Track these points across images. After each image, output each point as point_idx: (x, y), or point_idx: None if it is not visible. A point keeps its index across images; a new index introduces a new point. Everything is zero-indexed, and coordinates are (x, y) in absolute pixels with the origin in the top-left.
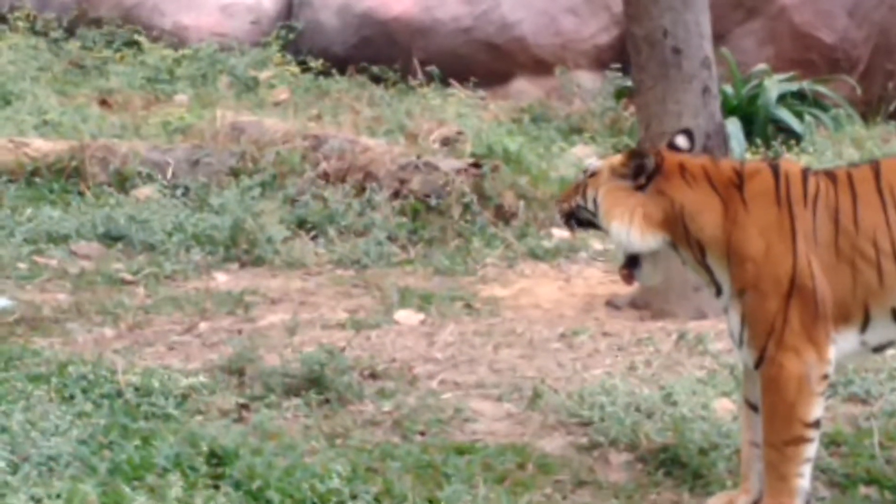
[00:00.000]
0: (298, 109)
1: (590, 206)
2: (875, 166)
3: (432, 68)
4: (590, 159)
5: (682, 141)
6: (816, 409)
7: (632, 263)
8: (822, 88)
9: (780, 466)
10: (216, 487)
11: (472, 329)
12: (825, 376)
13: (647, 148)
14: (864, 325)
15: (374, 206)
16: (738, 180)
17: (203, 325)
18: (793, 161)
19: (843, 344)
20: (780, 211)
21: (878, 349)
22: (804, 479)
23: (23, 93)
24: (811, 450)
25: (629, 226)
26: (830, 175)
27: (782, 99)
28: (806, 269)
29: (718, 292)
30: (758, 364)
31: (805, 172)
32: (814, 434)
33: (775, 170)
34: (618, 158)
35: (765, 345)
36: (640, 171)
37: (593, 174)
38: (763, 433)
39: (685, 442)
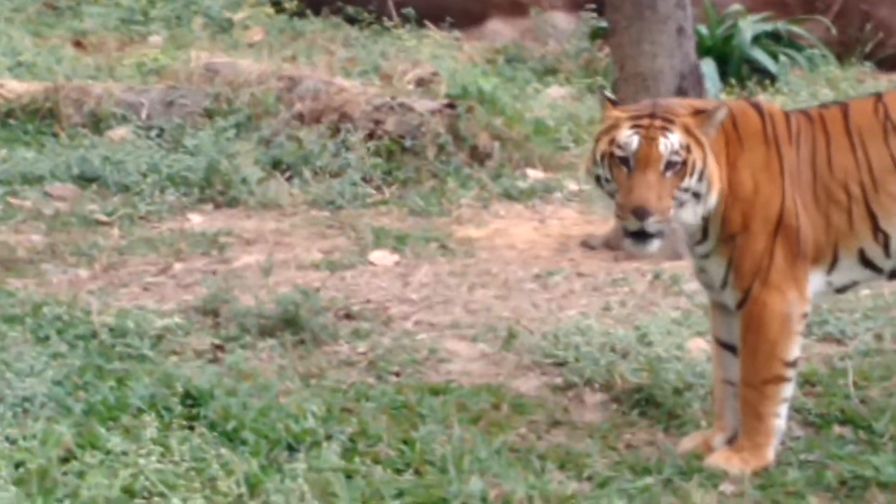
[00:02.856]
0: (273, 50)
1: (698, 186)
2: (844, 108)
3: (407, 9)
4: (625, 134)
5: None
6: (795, 348)
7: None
8: (796, 29)
9: (757, 405)
10: (191, 428)
11: (447, 270)
12: (805, 315)
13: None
14: (832, 265)
15: (348, 146)
16: (732, 121)
17: (178, 266)
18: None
19: (812, 284)
20: (768, 150)
21: (841, 290)
22: (781, 419)
23: None
24: (789, 389)
25: (718, 188)
26: (806, 115)
27: (757, 39)
28: (792, 208)
29: (703, 238)
30: (741, 304)
31: (786, 111)
32: (792, 373)
33: (759, 109)
34: (694, 120)
35: (750, 285)
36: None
37: (679, 151)
38: (741, 372)
39: (660, 382)
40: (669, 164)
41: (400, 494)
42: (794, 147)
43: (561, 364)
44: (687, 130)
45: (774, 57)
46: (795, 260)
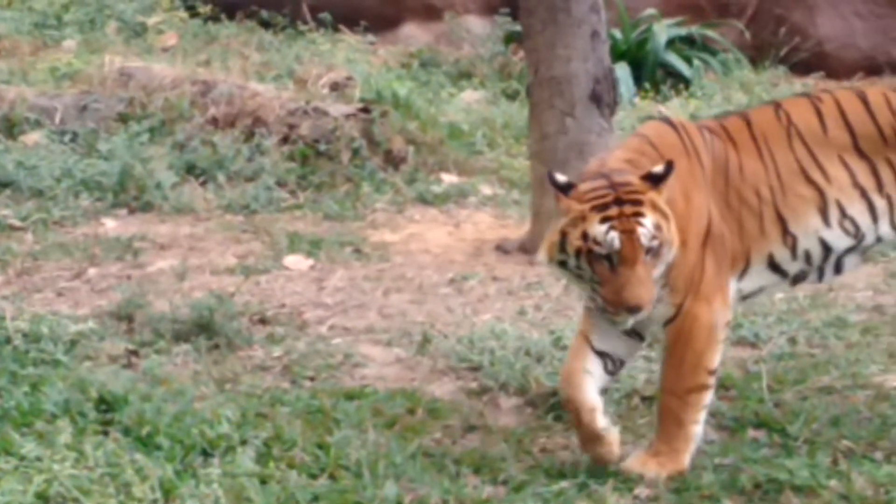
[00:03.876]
0: (187, 55)
1: (669, 254)
2: (745, 116)
3: (322, 14)
4: (600, 231)
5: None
6: (719, 356)
7: None
8: (710, 33)
9: (679, 413)
10: (105, 433)
11: (362, 274)
12: (728, 322)
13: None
14: (744, 272)
15: (263, 151)
16: (651, 144)
17: (92, 271)
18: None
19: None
20: (690, 162)
21: (748, 296)
22: (700, 426)
23: None
24: (710, 396)
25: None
26: (709, 126)
27: (671, 43)
28: (716, 217)
29: None
30: (671, 320)
31: (695, 123)
32: (713, 380)
33: (671, 124)
34: (658, 192)
35: (684, 299)
36: None
37: (655, 234)
38: (665, 382)
39: None
40: (649, 250)
41: (315, 499)
42: (709, 156)
43: (476, 368)
44: (654, 207)
45: (688, 61)
46: (721, 269)
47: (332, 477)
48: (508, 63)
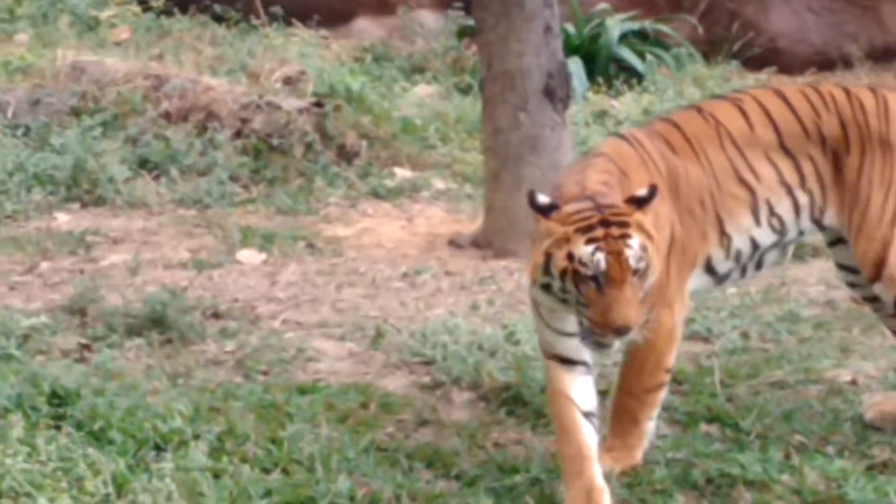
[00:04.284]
0: (140, 49)
1: (653, 276)
2: (672, 121)
3: (275, 8)
4: (586, 252)
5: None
6: (675, 355)
7: None
8: (663, 28)
9: (636, 412)
10: (58, 428)
11: (315, 268)
12: (685, 320)
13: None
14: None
15: (216, 145)
16: (613, 162)
17: (44, 265)
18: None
19: None
20: (649, 172)
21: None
22: (653, 422)
23: None
24: (665, 393)
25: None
26: (653, 133)
27: (624, 38)
28: (677, 224)
29: None
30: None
31: (646, 133)
32: (669, 377)
33: (624, 137)
34: (644, 215)
35: (652, 307)
36: None
37: (642, 255)
38: (624, 383)
39: (527, 380)
40: (636, 272)
41: (268, 493)
42: (663, 164)
43: (429, 363)
44: (641, 228)
45: (641, 56)
46: (682, 274)
47: (284, 471)
48: (461, 57)
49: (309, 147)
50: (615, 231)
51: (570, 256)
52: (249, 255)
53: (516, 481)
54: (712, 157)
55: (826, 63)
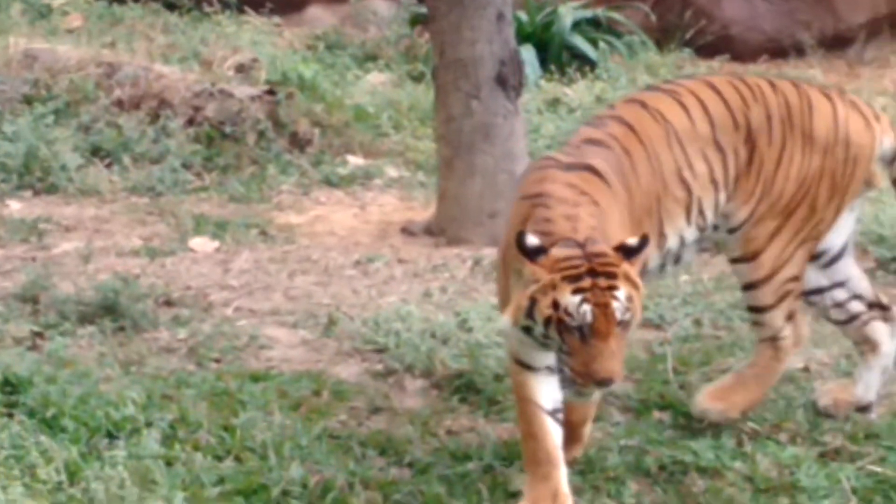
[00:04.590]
0: (92, 37)
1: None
2: (626, 123)
3: None
4: (572, 302)
5: None
6: None
7: None
8: (616, 15)
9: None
10: (10, 416)
11: (267, 256)
12: None
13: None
14: None
15: (168, 133)
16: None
17: None
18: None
19: None
20: (612, 191)
21: None
22: None
23: None
24: None
25: None
26: (603, 140)
27: (577, 26)
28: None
29: None
30: None
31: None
32: None
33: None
34: (631, 265)
35: None
36: None
37: (629, 307)
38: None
39: (480, 368)
40: (621, 324)
41: (220, 481)
42: (621, 185)
43: (381, 350)
44: (627, 279)
45: (594, 44)
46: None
47: (237, 459)
48: (414, 45)
49: (262, 135)
50: (602, 282)
51: (556, 305)
52: (202, 243)
53: (469, 469)
54: (663, 160)
55: (778, 51)
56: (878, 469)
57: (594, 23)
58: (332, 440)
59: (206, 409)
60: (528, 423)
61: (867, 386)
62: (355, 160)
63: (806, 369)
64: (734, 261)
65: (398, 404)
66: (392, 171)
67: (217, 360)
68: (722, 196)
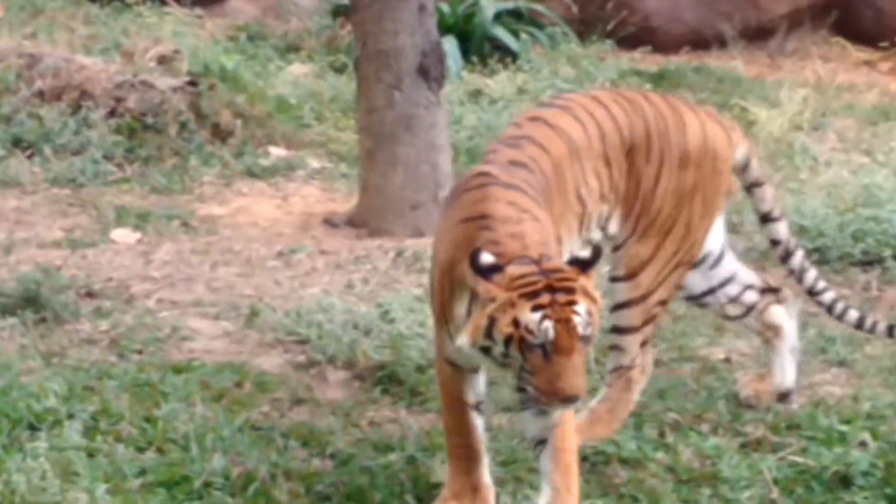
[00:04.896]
0: (13, 28)
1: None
2: (541, 146)
3: None
4: (533, 319)
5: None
6: None
7: None
8: (537, 7)
9: None
10: None
11: (189, 247)
12: None
13: None
14: None
15: (90, 124)
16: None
17: None
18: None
19: None
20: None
21: None
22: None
23: None
24: None
25: None
26: (523, 162)
27: (498, 17)
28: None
29: None
30: None
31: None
32: None
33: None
34: (588, 278)
35: None
36: None
37: (589, 321)
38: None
39: (402, 359)
40: (584, 339)
41: (142, 473)
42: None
43: (304, 341)
44: (586, 293)
45: (516, 35)
46: None
47: (159, 450)
48: (336, 37)
49: (183, 126)
50: (562, 297)
51: (516, 323)
52: (124, 234)
53: (391, 460)
54: (568, 178)
55: (700, 42)
56: (800, 459)
57: (516, 14)
58: (254, 431)
59: (128, 401)
60: (454, 418)
61: (783, 371)
62: (277, 151)
63: (727, 360)
64: (614, 279)
65: (320, 395)
66: (314, 163)
67: (139, 352)
68: (605, 210)
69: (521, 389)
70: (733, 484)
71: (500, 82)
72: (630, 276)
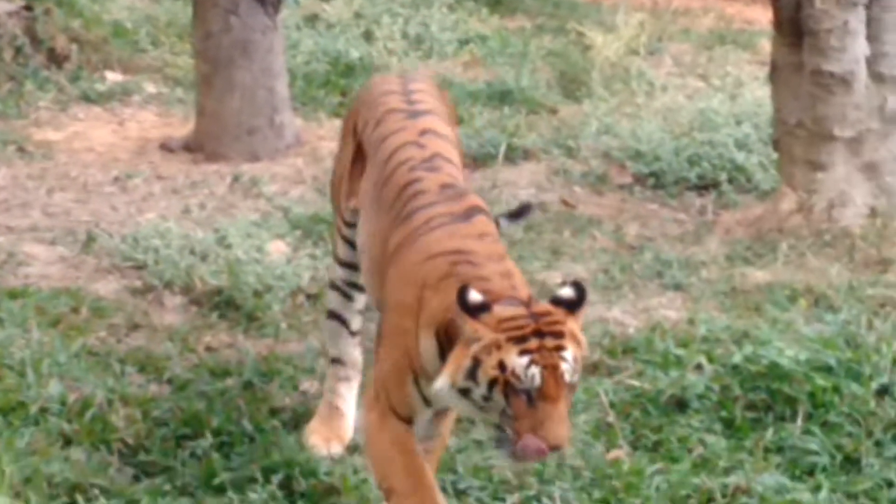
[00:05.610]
0: None
1: None
2: (450, 161)
3: None
4: (519, 364)
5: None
6: None
7: None
8: None
9: None
10: None
11: (25, 173)
12: None
13: None
14: None
15: None
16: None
17: None
18: None
19: None
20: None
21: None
22: None
23: None
24: None
25: None
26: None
27: None
28: None
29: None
30: None
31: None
32: None
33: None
34: (576, 321)
35: None
36: None
37: (576, 367)
38: None
39: (239, 284)
40: (570, 386)
41: None
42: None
43: (140, 267)
44: (573, 338)
45: None
46: None
47: None
48: None
49: (18, 51)
50: (549, 342)
51: (502, 366)
52: None
53: (228, 385)
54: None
55: None
56: (636, 383)
57: None
58: (90, 357)
59: None
60: (413, 477)
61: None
62: (113, 76)
63: (563, 284)
64: None
65: (157, 321)
66: (151, 88)
67: None
68: None
69: (499, 427)
70: (571, 407)
71: (336, 7)
72: None
